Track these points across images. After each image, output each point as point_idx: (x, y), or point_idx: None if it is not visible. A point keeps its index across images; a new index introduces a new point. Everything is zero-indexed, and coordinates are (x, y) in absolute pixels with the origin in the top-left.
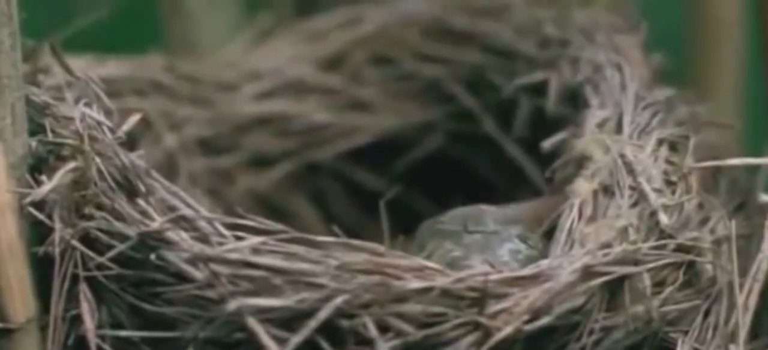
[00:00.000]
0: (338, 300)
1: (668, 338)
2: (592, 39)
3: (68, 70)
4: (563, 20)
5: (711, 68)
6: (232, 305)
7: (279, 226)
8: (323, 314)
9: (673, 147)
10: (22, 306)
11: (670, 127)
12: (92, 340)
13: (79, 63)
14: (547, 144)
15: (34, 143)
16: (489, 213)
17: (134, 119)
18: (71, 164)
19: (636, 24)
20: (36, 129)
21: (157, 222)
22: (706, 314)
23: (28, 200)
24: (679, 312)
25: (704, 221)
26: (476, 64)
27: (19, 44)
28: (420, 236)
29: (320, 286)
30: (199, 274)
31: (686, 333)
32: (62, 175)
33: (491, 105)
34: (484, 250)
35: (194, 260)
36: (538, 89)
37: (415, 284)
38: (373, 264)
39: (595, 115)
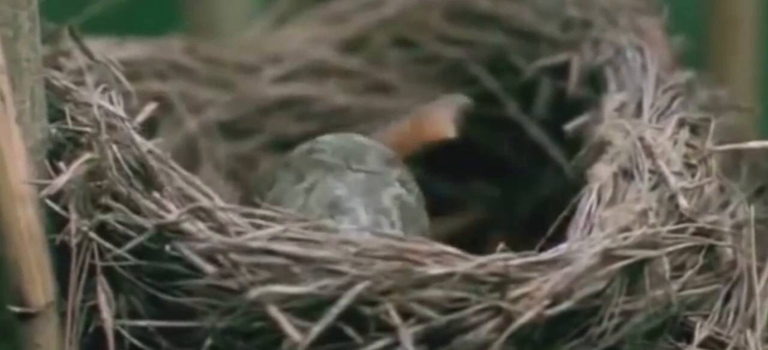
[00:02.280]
0: (359, 287)
1: (688, 322)
2: (614, 21)
3: (88, 53)
4: (585, 2)
5: (730, 51)
6: (253, 293)
7: (297, 214)
8: (344, 301)
9: (694, 130)
10: (42, 290)
11: (691, 110)
12: (109, 331)
13: (98, 45)
14: (569, 127)
15: (53, 130)
16: (370, 149)
17: (151, 107)
18: (87, 155)
19: (658, 6)
20: (56, 114)
21: (174, 214)
22: (727, 298)
23: (44, 193)
24: (698, 297)
25: (724, 205)
26: (498, 46)
27: (38, 27)
28: (296, 164)
29: (341, 273)
30: (216, 265)
31: (706, 317)
32: (78, 166)
33: (513, 87)
34: (367, 193)
35: (212, 251)
36: (560, 71)
37: (437, 269)
38: (393, 250)
39: (615, 98)
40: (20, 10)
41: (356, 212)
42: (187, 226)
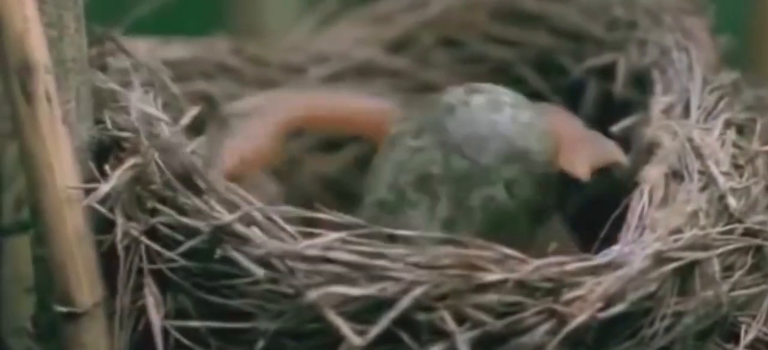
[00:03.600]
0: (417, 291)
1: (735, 323)
2: (659, 21)
3: (129, 55)
4: (630, 2)
5: None
6: (311, 296)
7: (354, 220)
8: (403, 304)
9: (740, 130)
10: (89, 290)
11: (737, 110)
12: (158, 334)
13: (144, 46)
14: (615, 129)
15: (96, 133)
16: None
17: (194, 111)
18: (131, 161)
19: (702, 6)
20: (101, 116)
21: (229, 217)
22: None
23: (90, 198)
24: (746, 297)
25: None
26: (544, 46)
27: (83, 28)
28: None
29: (397, 279)
30: (271, 269)
31: (753, 317)
32: (122, 172)
33: (560, 87)
34: None
35: (268, 256)
36: (606, 72)
37: (491, 276)
38: (450, 255)
39: (662, 100)
40: (65, 10)
41: None
42: (242, 229)
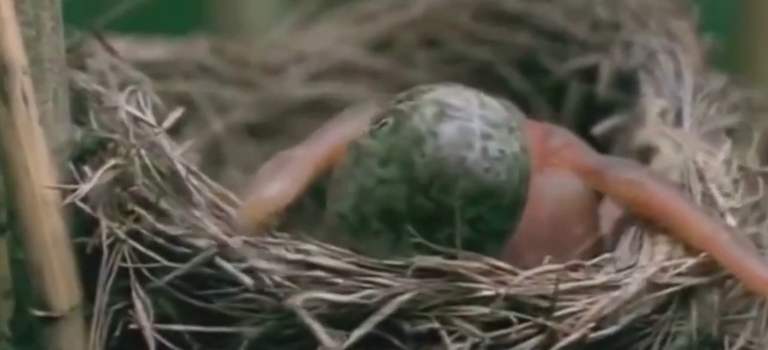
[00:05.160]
0: (401, 299)
1: (725, 332)
2: (643, 23)
3: (113, 52)
4: (614, 3)
5: (764, 50)
6: (292, 301)
7: (342, 250)
8: (387, 310)
9: (730, 133)
10: (66, 294)
11: (726, 114)
12: (151, 339)
13: (122, 44)
14: (598, 129)
15: (79, 135)
16: None
17: (178, 112)
18: (113, 161)
19: (688, 6)
20: (82, 117)
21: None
22: (761, 306)
23: (71, 198)
24: (737, 310)
25: (762, 218)
26: (527, 46)
27: (61, 27)
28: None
29: (383, 285)
30: (255, 277)
31: (742, 326)
32: (104, 171)
33: (543, 88)
34: None
35: (252, 267)
36: (590, 73)
37: (483, 288)
38: (441, 265)
39: (653, 104)
40: (43, 10)
41: None
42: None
